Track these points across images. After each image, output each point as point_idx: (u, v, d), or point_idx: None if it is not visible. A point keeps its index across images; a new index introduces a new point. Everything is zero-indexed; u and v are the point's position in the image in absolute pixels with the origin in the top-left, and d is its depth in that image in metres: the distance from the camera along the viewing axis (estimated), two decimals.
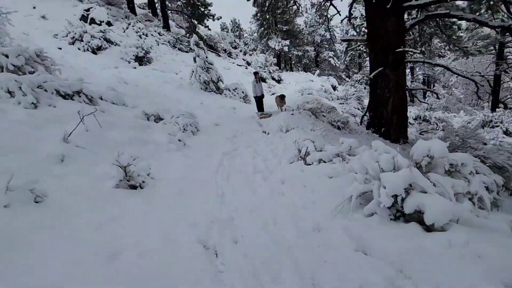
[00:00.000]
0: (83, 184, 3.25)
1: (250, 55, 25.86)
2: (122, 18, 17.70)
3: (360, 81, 30.52)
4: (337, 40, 45.49)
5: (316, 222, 2.62)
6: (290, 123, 6.51)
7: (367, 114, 8.84)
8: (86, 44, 12.82)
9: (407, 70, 45.13)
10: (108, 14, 16.44)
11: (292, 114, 7.31)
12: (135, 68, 12.81)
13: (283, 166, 4.29)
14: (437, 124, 13.33)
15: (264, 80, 19.79)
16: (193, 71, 12.45)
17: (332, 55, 41.58)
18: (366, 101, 17.55)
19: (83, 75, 8.16)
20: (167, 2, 23.20)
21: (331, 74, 38.70)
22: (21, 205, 2.55)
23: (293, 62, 42.77)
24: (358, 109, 14.34)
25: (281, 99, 9.20)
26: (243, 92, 12.78)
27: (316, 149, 3.99)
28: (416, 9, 8.86)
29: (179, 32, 19.31)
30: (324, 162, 3.65)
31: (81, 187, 3.18)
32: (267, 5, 9.98)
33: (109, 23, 16.01)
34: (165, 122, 6.70)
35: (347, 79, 39.48)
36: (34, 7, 15.80)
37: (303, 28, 41.42)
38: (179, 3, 21.68)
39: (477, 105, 31.07)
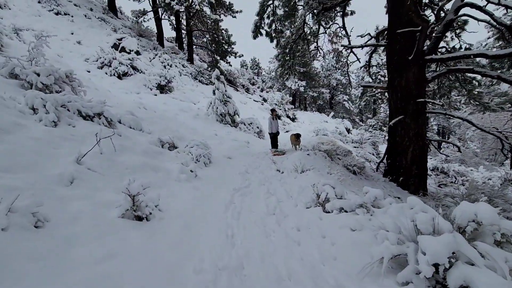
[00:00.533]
0: (88, 210, 3.06)
1: (267, 92, 26.63)
2: (150, 49, 18.86)
3: (374, 126, 30.70)
4: (354, 85, 46.81)
5: (339, 283, 2.29)
6: (306, 163, 6.31)
7: (384, 161, 8.56)
8: (113, 69, 13.51)
9: None
10: (138, 44, 17.56)
11: (308, 154, 7.14)
12: (155, 95, 13.25)
13: (299, 210, 4.00)
14: (455, 178, 12.78)
15: (279, 117, 20.07)
16: (211, 103, 12.73)
17: (346, 99, 42.44)
18: (381, 147, 17.29)
19: (105, 97, 8.42)
20: (193, 38, 24.85)
21: (345, 117, 39.12)
22: (20, 230, 2.36)
23: (307, 102, 43.74)
24: (373, 154, 14.06)
25: (296, 137, 9.12)
26: (257, 127, 12.84)
27: (336, 196, 3.72)
28: (436, 63, 9.00)
29: (201, 66, 20.27)
30: (346, 211, 3.36)
31: (85, 213, 2.98)
32: (288, 48, 10.27)
33: (137, 53, 17.02)
34: (179, 151, 6.63)
35: (360, 123, 39.74)
36: (72, 33, 17.11)
37: (320, 71, 43.05)
38: (204, 39, 23.18)
39: (494, 160, 30.17)
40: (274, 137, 9.72)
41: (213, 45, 21.18)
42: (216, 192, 4.94)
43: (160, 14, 22.05)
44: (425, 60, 7.16)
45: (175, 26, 24.43)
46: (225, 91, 12.72)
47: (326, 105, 46.35)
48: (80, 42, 16.22)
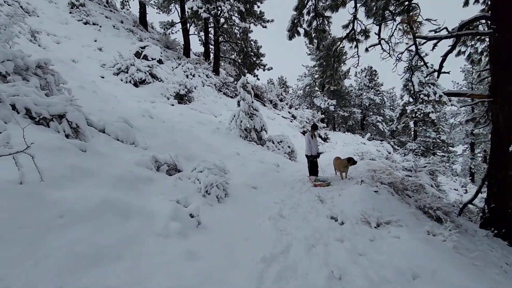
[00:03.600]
0: None
1: (296, 109, 24.49)
2: (174, 59, 17.69)
3: (416, 150, 27.09)
4: (386, 105, 43.37)
5: None
6: (377, 207, 3.88)
7: (474, 202, 5.85)
8: (130, 76, 12.14)
9: (465, 146, 40.33)
10: (161, 53, 16.41)
11: (376, 191, 4.67)
12: (172, 105, 11.57)
13: None
14: None
15: (320, 136, 17.72)
16: (234, 115, 10.76)
17: (380, 120, 39.13)
18: (440, 178, 14.11)
19: (103, 101, 6.67)
20: (221, 52, 23.75)
21: (377, 138, 35.69)
22: None
23: (338, 122, 40.96)
24: (432, 186, 11.09)
25: (347, 163, 6.69)
26: (289, 147, 10.56)
27: None
28: None
29: (227, 78, 18.72)
30: None
31: None
32: (334, 48, 8.11)
33: (160, 61, 15.80)
34: (182, 177, 4.51)
35: (396, 146, 36.01)
36: (95, 40, 16.36)
37: (351, 90, 40.48)
38: (233, 55, 21.90)
39: None
40: (313, 161, 7.38)
41: (241, 56, 19.71)
42: (228, 267, 2.64)
43: (188, 25, 21.20)
44: None
45: (203, 40, 23.54)
46: (252, 102, 10.72)
47: (357, 126, 43.17)
48: (102, 49, 15.32)
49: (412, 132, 29.40)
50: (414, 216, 4.07)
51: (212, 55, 21.50)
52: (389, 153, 20.02)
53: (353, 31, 8.51)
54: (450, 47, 6.98)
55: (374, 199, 4.26)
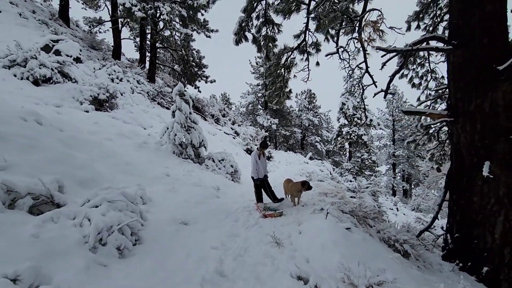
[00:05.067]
0: None
1: (239, 125, 23.53)
2: (98, 59, 14.99)
3: (351, 170, 28.68)
4: (323, 126, 46.06)
5: None
6: (355, 254, 2.77)
7: (445, 234, 5.37)
8: (28, 71, 9.35)
9: (387, 166, 45.21)
10: (81, 51, 13.65)
11: (348, 228, 3.59)
12: (87, 111, 9.17)
13: None
14: None
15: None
16: (167, 128, 8.98)
17: (318, 140, 41.17)
18: (381, 199, 14.44)
19: None
20: (158, 57, 21.56)
21: (316, 158, 37.22)
22: None
23: (280, 140, 41.66)
24: (375, 207, 11.00)
25: (301, 187, 5.62)
26: (232, 166, 9.18)
27: None
28: None
29: (163, 87, 16.70)
30: None
31: None
32: (284, 58, 7.31)
33: (78, 60, 13.06)
34: (57, 217, 2.69)
35: (331, 165, 37.99)
36: None
37: (292, 110, 41.96)
38: (175, 66, 19.92)
39: None
40: (261, 184, 6.15)
41: (181, 65, 17.97)
42: None
43: (120, 25, 18.65)
44: None
45: (138, 44, 21.03)
46: (190, 113, 9.14)
47: (297, 145, 44.62)
48: None
49: (348, 152, 31.31)
50: (400, 263, 3.08)
51: (148, 62, 19.18)
52: (330, 172, 20.35)
53: (304, 42, 7.89)
54: (398, 67, 6.78)
55: (348, 241, 3.17)
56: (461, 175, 4.80)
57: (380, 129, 29.65)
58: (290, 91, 8.61)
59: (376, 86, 7.29)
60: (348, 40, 6.91)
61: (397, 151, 40.58)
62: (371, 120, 27.86)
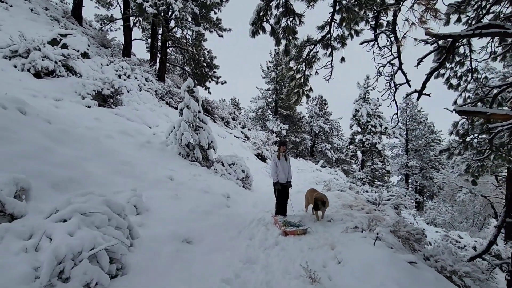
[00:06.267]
0: None
1: (249, 129, 22.72)
2: (106, 55, 14.48)
3: (363, 180, 27.37)
4: (334, 134, 44.88)
5: None
6: None
7: (498, 260, 4.33)
8: (30, 63, 8.77)
9: (398, 177, 43.53)
10: (89, 46, 13.15)
11: (412, 262, 2.65)
12: (88, 106, 8.49)
13: None
14: None
15: (264, 159, 15.80)
16: (174, 127, 8.19)
17: (329, 148, 39.99)
18: (405, 213, 13.29)
19: None
20: (171, 62, 21.07)
21: (327, 166, 36.04)
22: None
23: (289, 147, 40.66)
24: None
25: (323, 201, 4.70)
26: (243, 171, 8.29)
27: None
28: None
29: (173, 87, 16.06)
30: None
31: None
32: (306, 52, 6.46)
33: (85, 55, 12.53)
34: (3, 235, 1.85)
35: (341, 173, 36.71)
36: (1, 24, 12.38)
37: (303, 116, 41.08)
38: (184, 63, 19.32)
39: (473, 225, 27.47)
40: (283, 192, 5.25)
41: (191, 65, 17.33)
42: None
43: (131, 23, 18.23)
44: None
45: (149, 44, 20.60)
46: (199, 111, 8.35)
47: (307, 152, 43.52)
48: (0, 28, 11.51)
49: (360, 161, 30.05)
50: None
51: (158, 61, 18.63)
52: (347, 182, 19.23)
53: (329, 35, 7.03)
54: (438, 64, 5.83)
55: (418, 282, 2.21)
56: None
57: (395, 137, 28.42)
58: (310, 89, 7.71)
59: (409, 86, 6.34)
60: (379, 31, 5.97)
61: (411, 162, 39.01)
62: (385, 128, 26.70)
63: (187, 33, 15.88)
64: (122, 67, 12.36)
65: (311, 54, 7.18)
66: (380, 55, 6.27)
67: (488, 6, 6.71)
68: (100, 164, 4.62)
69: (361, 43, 5.32)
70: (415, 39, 5.72)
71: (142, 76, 13.15)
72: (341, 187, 9.90)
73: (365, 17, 6.68)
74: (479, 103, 7.44)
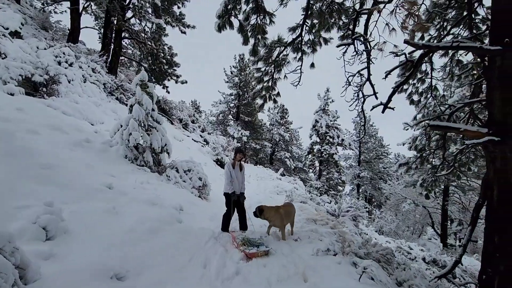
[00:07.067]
0: None
1: (209, 134, 21.72)
2: (46, 38, 12.48)
3: (320, 189, 28.05)
4: (293, 142, 45.76)
5: None
6: None
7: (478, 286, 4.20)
8: None
9: (350, 187, 45.99)
10: (23, 25, 11.15)
11: None
12: (12, 94, 6.91)
13: None
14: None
15: (224, 166, 14.95)
16: (121, 126, 7.05)
17: (288, 156, 40.54)
18: (362, 225, 13.45)
19: None
20: (127, 56, 19.17)
21: (286, 174, 36.38)
22: None
23: (249, 154, 40.27)
24: (356, 234, 9.90)
25: (286, 214, 4.16)
26: (200, 179, 7.44)
27: None
28: None
29: (125, 83, 14.49)
30: None
31: None
32: (276, 54, 6.03)
33: (16, 34, 10.55)
34: None
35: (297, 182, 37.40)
36: None
37: (264, 123, 41.19)
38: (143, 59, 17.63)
39: (413, 233, 29.97)
40: (237, 204, 4.64)
41: (149, 60, 15.90)
42: None
43: (80, 6, 16.18)
44: None
45: (102, 34, 18.50)
46: (153, 110, 7.33)
47: (266, 160, 43.58)
48: None
49: (318, 171, 30.83)
50: None
51: (111, 52, 16.75)
52: (306, 192, 19.23)
53: (300, 38, 6.67)
54: (405, 78, 5.81)
55: None
56: (508, 212, 3.70)
57: (350, 149, 29.83)
58: (278, 94, 7.27)
59: (376, 98, 6.21)
60: (358, 34, 5.75)
61: (362, 172, 41.40)
62: (342, 140, 27.90)
63: (146, 25, 14.54)
64: (64, 53, 10.63)
65: (281, 56, 6.74)
66: (349, 64, 6.10)
67: (449, 27, 7.03)
68: (8, 167, 3.48)
69: (338, 46, 4.98)
70: (380, 50, 5.62)
71: (89, 66, 11.51)
72: (303, 198, 9.57)
73: (337, 23, 6.51)
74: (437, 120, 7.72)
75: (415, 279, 3.70)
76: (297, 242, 4.28)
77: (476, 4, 6.72)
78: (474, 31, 6.33)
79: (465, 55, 7.04)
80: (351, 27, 5.35)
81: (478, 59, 5.43)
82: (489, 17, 6.87)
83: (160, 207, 4.75)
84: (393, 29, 4.62)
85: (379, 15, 4.38)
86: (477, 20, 6.93)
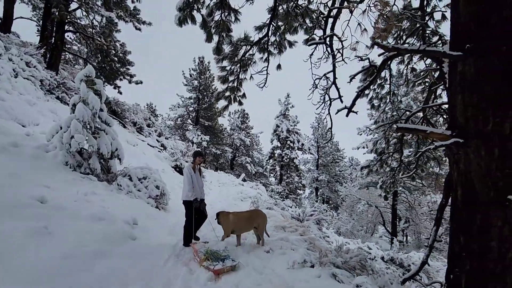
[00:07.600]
0: None
1: (167, 138, 20.48)
2: None
3: (281, 193, 28.31)
4: (254, 147, 45.82)
5: None
6: None
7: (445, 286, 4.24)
8: None
9: (309, 190, 47.65)
10: None
11: None
12: None
13: None
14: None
15: (182, 172, 14.07)
16: (61, 127, 6.01)
17: (249, 161, 40.40)
18: (325, 228, 13.58)
19: None
20: (71, 49, 17.13)
21: (248, 180, 36.14)
22: None
23: (209, 159, 39.19)
24: (321, 237, 9.92)
25: (256, 220, 3.80)
26: (157, 187, 6.68)
27: None
28: None
29: (68, 80, 12.86)
30: None
31: None
32: (242, 54, 5.70)
33: None
34: None
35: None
36: None
37: (224, 128, 40.58)
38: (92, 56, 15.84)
39: (366, 232, 32.02)
40: (198, 211, 4.19)
41: (99, 57, 14.37)
42: None
43: None
44: None
45: (41, 25, 16.27)
46: (101, 110, 6.41)
47: (227, 165, 42.88)
48: None
49: (279, 175, 31.14)
50: None
51: (52, 46, 14.77)
52: (269, 197, 19.05)
53: (267, 38, 6.43)
54: (368, 82, 5.92)
55: None
56: (472, 212, 3.79)
57: (309, 153, 30.76)
58: (244, 95, 6.90)
59: (342, 101, 6.22)
60: (330, 33, 5.67)
61: (320, 176, 43.03)
62: (302, 144, 28.65)
63: (94, 18, 13.12)
64: None
65: (247, 55, 6.41)
66: (316, 67, 6.03)
67: (404, 37, 7.42)
68: None
69: (309, 44, 4.81)
70: (354, 49, 5.64)
71: (22, 60, 9.88)
72: (268, 204, 9.29)
73: (304, 25, 6.41)
74: (394, 125, 8.08)
75: (391, 286, 3.58)
76: (269, 254, 3.91)
77: (427, 18, 7.24)
78: (427, 41, 6.77)
79: (420, 62, 7.48)
80: (323, 27, 5.23)
81: (434, 65, 5.75)
82: (438, 30, 7.46)
83: (108, 223, 4.00)
84: (365, 29, 4.59)
85: (351, 15, 4.30)
86: (428, 32, 7.47)
